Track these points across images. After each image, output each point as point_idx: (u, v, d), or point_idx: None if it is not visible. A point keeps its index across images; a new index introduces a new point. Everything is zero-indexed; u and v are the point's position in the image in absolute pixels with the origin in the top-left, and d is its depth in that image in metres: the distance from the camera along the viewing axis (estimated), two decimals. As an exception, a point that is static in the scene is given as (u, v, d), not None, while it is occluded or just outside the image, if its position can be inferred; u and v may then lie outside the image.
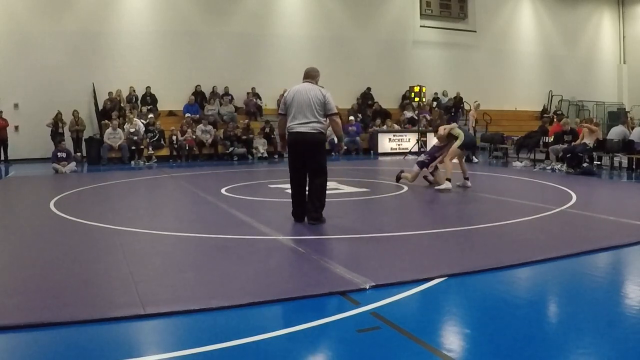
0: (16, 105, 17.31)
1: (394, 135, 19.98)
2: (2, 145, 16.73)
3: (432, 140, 20.19)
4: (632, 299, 3.80)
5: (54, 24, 17.53)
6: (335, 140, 19.34)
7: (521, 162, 14.73)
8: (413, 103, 20.32)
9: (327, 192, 9.23)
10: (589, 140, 12.78)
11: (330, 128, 6.94)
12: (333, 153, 18.65)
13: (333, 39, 21.46)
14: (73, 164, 14.11)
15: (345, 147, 7.25)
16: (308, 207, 6.37)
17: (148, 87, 18.53)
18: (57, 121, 16.67)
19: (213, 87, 19.61)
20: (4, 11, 17.16)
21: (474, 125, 16.61)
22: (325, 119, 6.44)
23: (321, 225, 6.28)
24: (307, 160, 6.35)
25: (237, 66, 19.89)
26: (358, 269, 4.35)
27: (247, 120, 18.44)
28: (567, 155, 12.65)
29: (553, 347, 3.02)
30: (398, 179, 10.16)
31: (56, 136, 16.11)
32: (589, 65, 27.26)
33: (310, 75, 6.52)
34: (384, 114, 21.07)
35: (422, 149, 18.74)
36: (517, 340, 3.12)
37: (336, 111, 6.49)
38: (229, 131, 17.55)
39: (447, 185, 8.97)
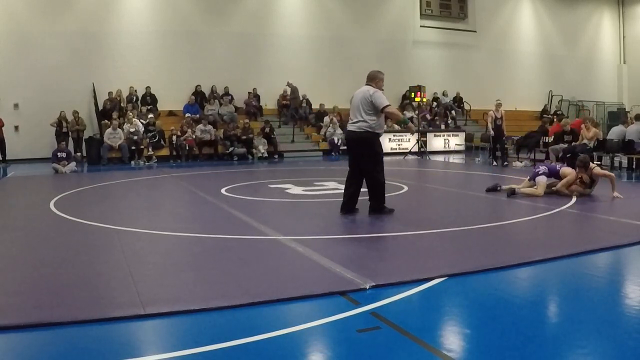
0: (16, 105, 17.32)
1: (394, 135, 19.98)
2: None
3: (432, 140, 20.30)
4: (632, 299, 3.80)
5: (54, 24, 17.54)
6: (335, 140, 19.43)
7: (521, 162, 14.73)
8: (413, 103, 20.32)
9: (327, 191, 9.29)
10: (588, 141, 12.79)
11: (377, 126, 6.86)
12: (333, 153, 18.69)
13: (333, 39, 21.46)
14: (73, 164, 14.11)
15: (412, 126, 7.30)
16: (369, 201, 6.86)
17: (148, 87, 18.53)
18: (61, 120, 16.67)
19: (212, 87, 19.61)
20: (4, 11, 17.16)
21: (492, 126, 14.38)
22: (375, 117, 6.64)
23: (373, 218, 6.67)
24: (357, 157, 6.79)
25: (237, 66, 19.89)
26: (358, 269, 4.35)
27: (247, 120, 18.44)
28: (567, 155, 12.65)
29: (553, 347, 3.01)
30: (511, 193, 8.38)
31: (60, 135, 16.12)
32: (589, 65, 27.26)
33: (369, 78, 6.85)
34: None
35: (422, 149, 18.74)
36: (517, 340, 3.12)
37: (386, 104, 6.63)
38: (229, 131, 17.55)
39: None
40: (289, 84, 20.05)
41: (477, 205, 8.15)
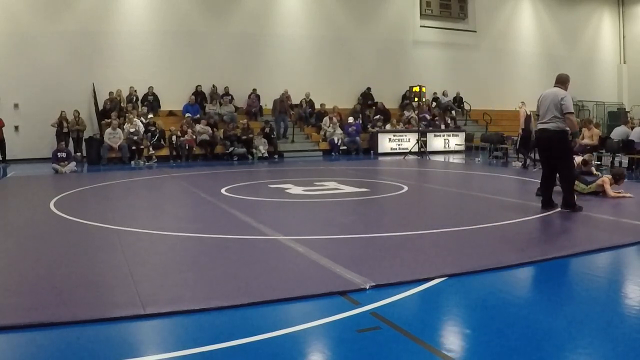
0: (16, 105, 17.30)
1: (394, 135, 19.97)
2: None
3: (432, 140, 20.31)
4: (632, 299, 3.80)
5: (54, 24, 17.52)
6: (335, 139, 19.42)
7: (521, 162, 14.72)
8: (413, 103, 20.32)
9: (327, 191, 9.29)
10: (588, 141, 12.78)
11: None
12: (333, 153, 18.69)
13: (333, 39, 21.46)
14: (73, 164, 14.10)
15: (577, 143, 7.52)
16: (563, 194, 7.17)
17: (151, 87, 18.48)
18: (62, 121, 16.67)
19: (212, 87, 19.60)
20: (4, 11, 17.15)
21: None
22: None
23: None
24: (548, 153, 7.18)
25: (237, 66, 19.88)
26: (358, 269, 4.35)
27: (245, 120, 18.40)
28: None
29: (553, 347, 3.01)
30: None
31: (60, 135, 16.11)
32: (589, 65, 27.24)
33: (559, 81, 7.21)
34: (386, 115, 21.04)
35: (422, 149, 18.73)
36: (517, 340, 3.12)
37: (570, 110, 6.96)
38: (229, 131, 17.54)
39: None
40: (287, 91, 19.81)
41: (477, 205, 8.15)
